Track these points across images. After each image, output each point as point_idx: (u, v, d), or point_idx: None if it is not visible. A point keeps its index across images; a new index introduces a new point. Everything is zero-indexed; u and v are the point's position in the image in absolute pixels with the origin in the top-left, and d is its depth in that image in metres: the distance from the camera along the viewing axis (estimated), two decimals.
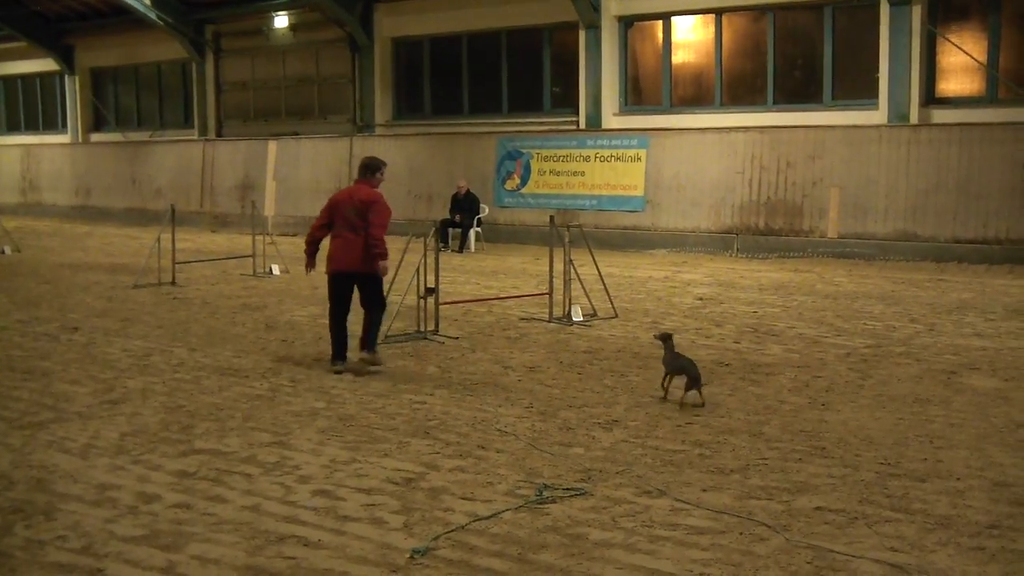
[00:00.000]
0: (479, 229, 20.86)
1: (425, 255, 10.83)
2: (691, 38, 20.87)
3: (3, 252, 20.11)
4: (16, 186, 33.19)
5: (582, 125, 21.37)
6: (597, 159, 20.55)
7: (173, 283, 15.14)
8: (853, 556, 4.98)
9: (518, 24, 22.66)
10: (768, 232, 18.53)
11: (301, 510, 5.71)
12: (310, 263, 9.71)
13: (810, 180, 18.15)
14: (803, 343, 10.52)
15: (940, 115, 17.64)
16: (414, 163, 23.16)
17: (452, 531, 5.35)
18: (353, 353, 9.36)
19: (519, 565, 4.94)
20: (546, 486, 6.00)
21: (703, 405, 7.88)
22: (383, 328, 9.71)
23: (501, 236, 21.38)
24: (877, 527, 5.37)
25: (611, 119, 21.10)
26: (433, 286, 10.84)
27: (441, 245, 13.37)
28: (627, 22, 21.16)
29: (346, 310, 9.41)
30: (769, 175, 18.58)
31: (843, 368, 9.30)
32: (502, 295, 13.78)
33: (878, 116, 17.98)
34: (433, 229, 11.39)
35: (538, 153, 21.40)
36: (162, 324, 11.91)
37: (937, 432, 7.17)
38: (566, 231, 12.00)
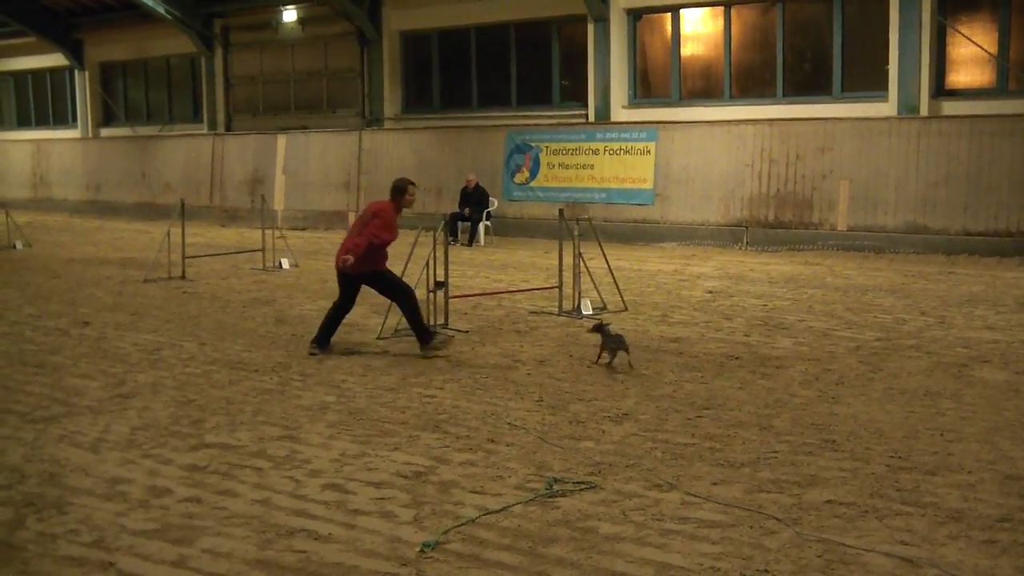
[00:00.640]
0: (488, 223, 20.84)
1: (435, 249, 10.83)
2: (700, 30, 20.81)
3: (14, 247, 20.19)
4: (27, 181, 33.28)
5: (591, 118, 21.33)
6: (606, 152, 20.51)
7: (183, 277, 15.18)
8: (864, 549, 4.98)
9: (527, 17, 22.62)
10: (778, 225, 18.48)
11: (311, 504, 5.72)
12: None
13: (820, 172, 18.09)
14: (813, 336, 10.50)
15: (950, 107, 17.56)
16: (423, 157, 23.16)
17: (462, 525, 5.36)
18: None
19: (529, 559, 4.94)
20: (556, 480, 6.01)
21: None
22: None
23: (510, 230, 21.37)
24: (887, 520, 5.36)
25: (620, 112, 21.06)
26: (443, 280, 10.85)
27: (450, 239, 13.39)
28: (636, 15, 21.10)
29: (345, 307, 9.94)
30: (778, 168, 18.53)
31: (853, 361, 9.28)
32: (512, 289, 13.78)
33: (888, 108, 17.92)
34: (442, 223, 11.40)
35: (547, 146, 21.37)
36: (172, 318, 11.94)
37: (948, 425, 7.15)
38: (575, 224, 11.99)
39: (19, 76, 35.40)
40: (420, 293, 10.95)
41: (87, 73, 32.24)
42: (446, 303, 11.02)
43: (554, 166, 21.26)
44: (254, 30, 27.62)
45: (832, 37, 19.00)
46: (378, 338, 10.49)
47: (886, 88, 18.03)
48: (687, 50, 20.86)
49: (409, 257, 11.03)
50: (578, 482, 5.99)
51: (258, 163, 26.53)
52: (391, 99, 24.93)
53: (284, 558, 4.99)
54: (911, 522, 5.34)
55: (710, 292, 13.63)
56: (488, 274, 15.60)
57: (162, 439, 7.02)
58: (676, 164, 19.66)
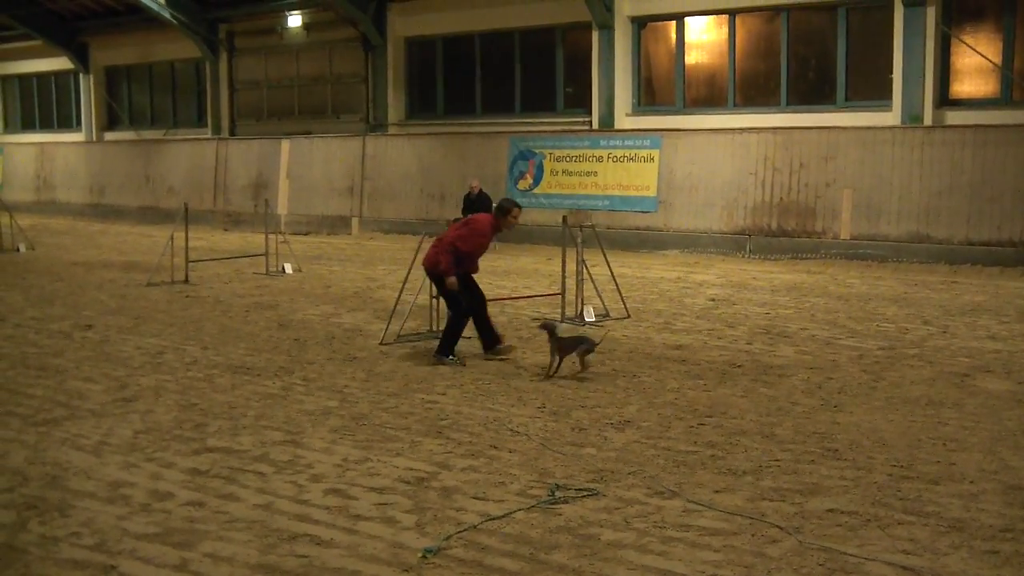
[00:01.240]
0: None
1: None
2: (704, 39, 20.84)
3: (18, 250, 20.22)
4: (31, 184, 33.35)
5: (595, 125, 21.35)
6: (610, 159, 20.53)
7: (186, 281, 15.19)
8: (865, 559, 4.97)
9: (531, 24, 22.66)
10: (781, 233, 18.49)
11: (314, 508, 5.72)
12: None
13: (823, 181, 18.10)
14: (815, 345, 10.50)
15: (954, 116, 17.57)
16: (426, 162, 23.18)
17: (464, 531, 5.35)
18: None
19: (531, 565, 4.94)
20: (558, 486, 6.00)
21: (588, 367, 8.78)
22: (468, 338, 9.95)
23: (513, 236, 21.33)
24: (890, 530, 5.36)
25: (624, 119, 21.08)
26: None
27: None
28: (640, 22, 21.14)
29: (470, 307, 9.75)
30: (782, 176, 18.54)
31: (856, 370, 9.28)
32: (514, 295, 13.78)
33: (891, 117, 17.93)
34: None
35: (551, 153, 21.40)
36: (175, 322, 11.95)
37: (950, 435, 7.15)
38: (579, 231, 11.99)
39: (24, 79, 35.50)
40: (423, 299, 10.99)
41: (92, 77, 32.33)
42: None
43: (557, 173, 21.28)
44: (259, 35, 27.68)
45: (836, 46, 19.02)
46: (381, 343, 10.49)
47: (890, 97, 18.04)
48: (691, 58, 20.89)
49: (412, 263, 11.03)
50: (580, 489, 5.99)
51: (262, 168, 26.57)
52: (395, 105, 24.97)
53: (286, 563, 4.99)
54: (913, 531, 5.33)
55: (713, 300, 13.63)
56: (491, 280, 15.59)
57: (164, 443, 7.03)
58: (679, 172, 19.67)
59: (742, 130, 19.16)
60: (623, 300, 12.36)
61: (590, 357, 8.77)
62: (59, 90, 34.39)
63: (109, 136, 32.33)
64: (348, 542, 5.24)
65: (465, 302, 9.67)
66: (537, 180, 21.57)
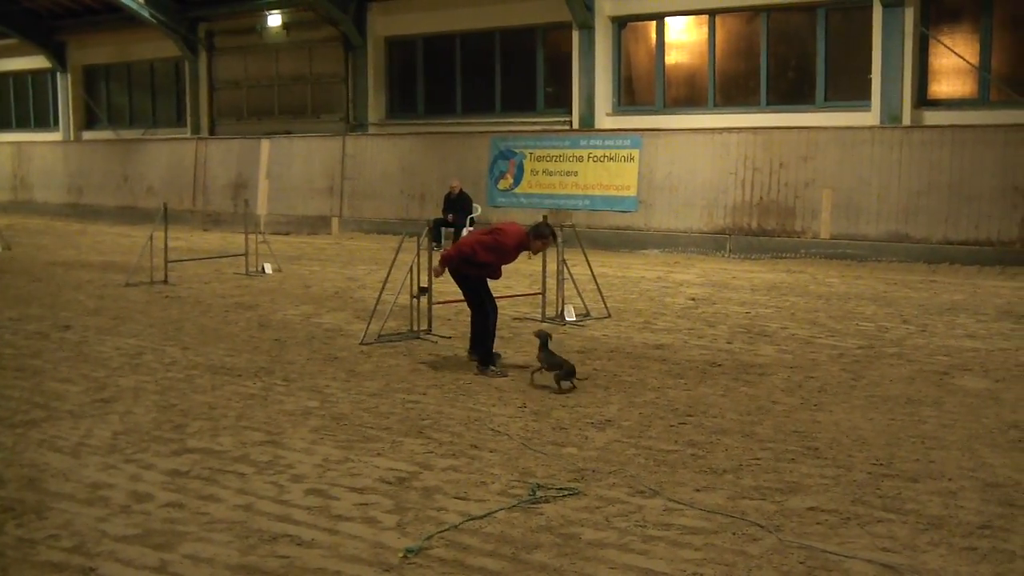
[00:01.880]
0: (472, 229, 20.82)
1: (418, 254, 10.82)
2: (684, 39, 20.89)
3: None
4: (7, 184, 33.06)
5: (575, 125, 21.37)
6: (590, 159, 20.56)
7: (165, 281, 15.11)
8: (845, 556, 5.00)
9: (512, 24, 22.65)
10: (761, 233, 18.56)
11: (294, 509, 5.70)
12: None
13: (803, 181, 18.18)
14: (796, 344, 10.54)
15: (932, 117, 17.67)
16: (407, 162, 23.14)
17: (445, 530, 5.35)
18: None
19: (512, 565, 4.94)
20: (539, 486, 6.00)
21: (573, 388, 8.47)
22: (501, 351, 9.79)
23: None
24: (869, 527, 5.38)
25: (604, 119, 21.11)
26: (426, 286, 10.83)
27: (434, 244, 13.35)
28: (620, 22, 21.17)
29: (471, 306, 9.60)
30: (762, 176, 18.60)
31: (836, 369, 9.32)
32: (495, 295, 13.74)
33: (870, 117, 18.02)
34: (426, 228, 11.38)
35: (531, 153, 21.40)
36: (154, 323, 11.88)
37: (929, 433, 7.19)
38: (559, 231, 11.99)
39: (1, 78, 35.20)
40: (403, 299, 10.97)
41: (70, 76, 32.10)
42: (429, 309, 11.00)
43: (538, 173, 21.29)
44: (239, 34, 27.56)
45: (816, 46, 19.10)
46: (361, 343, 10.47)
47: (869, 97, 18.13)
48: (671, 58, 20.94)
49: (393, 263, 11.02)
50: (561, 488, 5.99)
51: (241, 168, 26.45)
52: (375, 105, 24.92)
53: (267, 563, 4.97)
54: (893, 529, 5.37)
55: (693, 299, 13.66)
56: None
57: (144, 444, 6.99)
58: (660, 171, 19.72)
59: (722, 130, 19.21)
60: (603, 300, 12.38)
61: (566, 384, 8.44)
62: (36, 89, 34.12)
63: (87, 136, 32.11)
64: (329, 542, 5.23)
65: (489, 304, 9.50)
66: (517, 180, 21.57)
